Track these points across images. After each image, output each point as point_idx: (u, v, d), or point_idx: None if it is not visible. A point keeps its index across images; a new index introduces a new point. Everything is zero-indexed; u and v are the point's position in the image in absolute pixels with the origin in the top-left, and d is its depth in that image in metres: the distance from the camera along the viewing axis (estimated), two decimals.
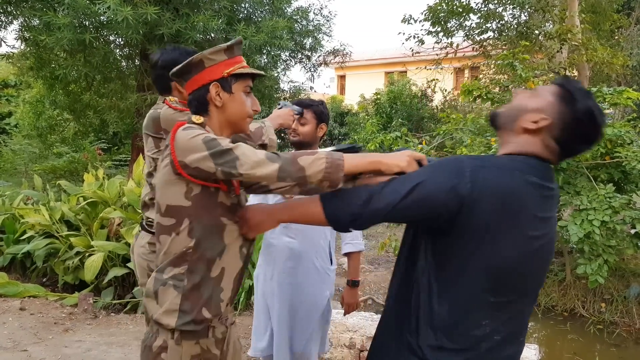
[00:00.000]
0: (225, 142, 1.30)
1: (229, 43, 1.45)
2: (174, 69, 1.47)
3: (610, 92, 6.10)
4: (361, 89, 17.11)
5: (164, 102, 2.06)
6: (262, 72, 1.54)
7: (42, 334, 3.76)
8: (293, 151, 1.38)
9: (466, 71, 15.09)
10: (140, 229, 2.24)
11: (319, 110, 2.39)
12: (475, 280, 1.23)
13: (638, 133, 6.63)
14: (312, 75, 8.05)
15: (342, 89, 25.25)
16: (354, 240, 2.47)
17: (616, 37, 13.75)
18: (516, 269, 1.25)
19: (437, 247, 1.27)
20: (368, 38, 58.67)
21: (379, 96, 13.46)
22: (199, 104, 1.44)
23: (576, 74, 11.30)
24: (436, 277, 1.26)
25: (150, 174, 2.10)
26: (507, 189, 1.22)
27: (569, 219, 5.09)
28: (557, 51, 9.41)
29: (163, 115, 2.01)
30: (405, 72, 15.55)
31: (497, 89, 7.39)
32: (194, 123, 1.41)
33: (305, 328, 2.33)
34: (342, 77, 25.00)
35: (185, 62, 1.43)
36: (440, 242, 1.26)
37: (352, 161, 1.30)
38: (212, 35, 6.09)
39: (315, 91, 12.87)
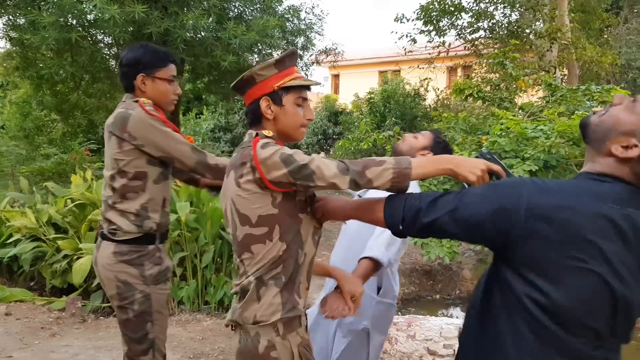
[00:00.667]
0: (300, 157, 1.37)
1: (279, 57, 1.50)
2: (232, 85, 1.56)
3: (598, 89, 6.13)
4: (355, 88, 17.09)
5: (136, 103, 1.93)
6: (315, 82, 1.58)
7: (28, 339, 3.69)
8: (363, 159, 1.37)
9: (459, 70, 15.14)
10: (100, 238, 2.03)
11: None
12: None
13: None
14: (305, 74, 8.01)
15: (336, 88, 25.23)
16: (376, 247, 1.95)
17: (605, 36, 13.83)
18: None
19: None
20: (362, 37, 58.67)
21: (372, 95, 13.45)
22: (254, 117, 1.52)
23: (566, 72, 11.36)
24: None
25: (113, 177, 1.94)
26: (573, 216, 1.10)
27: None
28: (547, 50, 9.46)
29: (135, 117, 1.88)
30: (399, 71, 15.56)
31: (488, 88, 7.40)
32: (265, 137, 1.47)
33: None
34: (336, 77, 24.97)
35: (238, 79, 1.52)
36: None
37: (421, 170, 1.32)
38: (202, 34, 6.04)
39: (309, 90, 12.82)
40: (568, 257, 1.09)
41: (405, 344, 3.06)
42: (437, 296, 6.08)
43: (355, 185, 1.33)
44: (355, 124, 12.16)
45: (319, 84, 1.64)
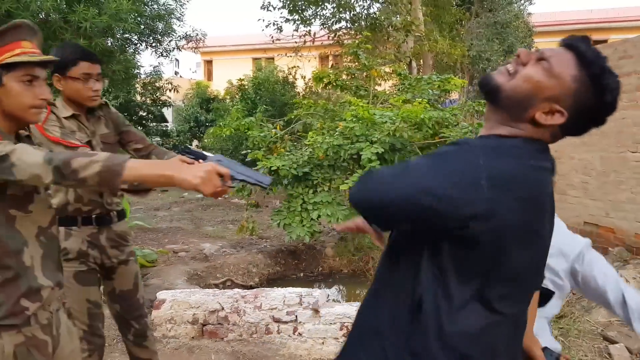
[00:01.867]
0: (2, 148, 1.27)
1: None
2: None
3: (439, 79, 6.95)
4: (229, 75, 17.02)
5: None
6: (46, 58, 1.47)
7: None
8: (76, 152, 1.40)
9: (330, 58, 15.83)
10: None
11: None
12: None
13: (468, 114, 7.65)
14: (177, 60, 7.90)
15: (209, 75, 24.79)
16: None
17: (457, 30, 15.36)
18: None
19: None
20: (237, 23, 57.97)
21: (244, 82, 13.57)
22: None
23: (421, 63, 12.51)
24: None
25: None
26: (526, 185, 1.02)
27: None
28: (403, 41, 10.35)
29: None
30: (273, 58, 15.83)
31: (347, 76, 7.94)
32: None
33: None
34: (209, 62, 24.53)
35: None
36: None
37: (137, 171, 1.24)
38: (51, 16, 5.70)
39: (180, 76, 12.56)
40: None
41: (253, 314, 3.34)
42: (301, 274, 6.51)
43: (60, 175, 1.24)
44: (228, 111, 12.21)
45: (52, 60, 1.52)
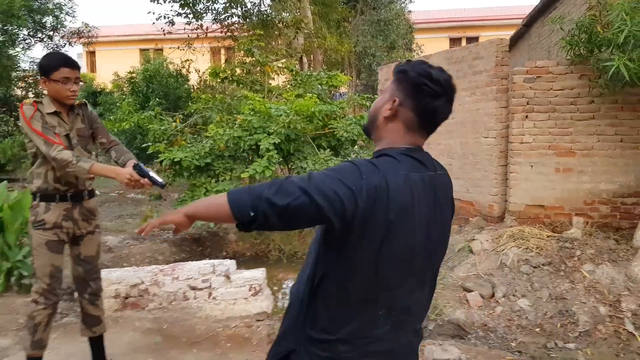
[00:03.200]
0: None
1: None
2: None
3: (327, 75, 7.79)
4: (114, 67, 16.58)
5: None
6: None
7: None
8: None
9: (222, 52, 16.13)
10: None
11: None
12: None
13: (354, 107, 8.57)
14: (51, 49, 7.81)
15: (92, 66, 23.71)
16: None
17: (344, 27, 16.48)
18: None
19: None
20: (122, 12, 54.97)
21: (134, 74, 13.42)
22: None
23: (312, 58, 13.39)
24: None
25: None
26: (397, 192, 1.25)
27: None
28: (294, 38, 11.11)
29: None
30: (162, 50, 15.73)
31: (243, 71, 8.49)
32: None
33: None
34: (91, 54, 23.44)
35: None
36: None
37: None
38: None
39: None
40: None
41: (171, 285, 3.84)
42: (207, 259, 6.99)
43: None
44: (117, 104, 12.09)
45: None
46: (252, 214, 1.22)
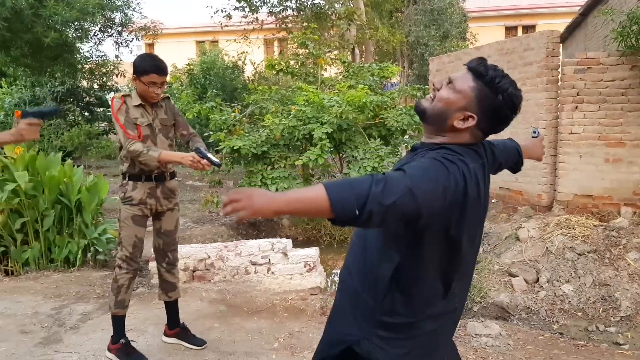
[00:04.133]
0: None
1: None
2: None
3: (378, 67, 8.05)
4: (172, 58, 17.39)
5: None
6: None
7: None
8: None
9: (275, 43, 16.63)
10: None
11: None
12: None
13: (405, 98, 8.78)
14: (118, 44, 8.44)
15: None
16: None
17: (396, 17, 16.55)
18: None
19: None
20: (179, 5, 56.82)
21: (192, 66, 14.10)
22: None
23: (364, 49, 13.63)
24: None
25: None
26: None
27: (350, 167, 6.82)
28: (346, 29, 11.39)
29: None
30: (217, 42, 16.40)
31: (297, 63, 8.87)
32: None
33: None
34: (150, 46, 24.55)
35: None
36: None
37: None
38: (24, 12, 6.25)
39: (121, 60, 12.99)
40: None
41: (234, 260, 4.30)
42: None
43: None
44: (176, 95, 12.81)
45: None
46: (357, 212, 1.18)
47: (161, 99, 3.17)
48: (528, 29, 21.45)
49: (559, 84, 5.89)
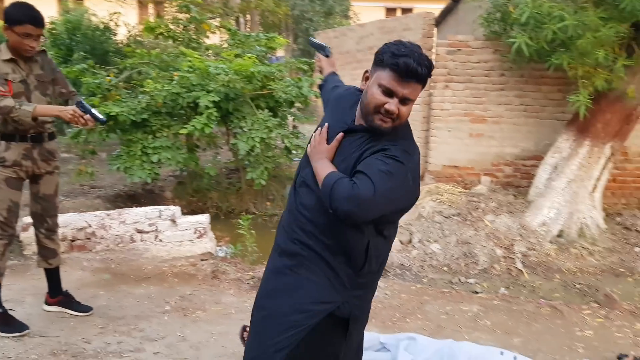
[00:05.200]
0: None
1: None
2: None
3: (265, 37, 8.16)
4: None
5: None
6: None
7: None
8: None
9: (150, 6, 15.81)
10: None
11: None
12: None
13: (292, 70, 9.01)
14: None
15: (1, 14, 22.20)
16: None
17: None
18: None
19: None
20: None
21: (55, 26, 12.96)
22: None
23: (248, 19, 13.58)
24: None
25: None
26: None
27: (238, 138, 6.92)
28: None
29: None
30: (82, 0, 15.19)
31: (179, 28, 8.64)
32: None
33: None
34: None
35: None
36: None
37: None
38: None
39: None
40: None
41: (118, 228, 4.25)
42: None
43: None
44: None
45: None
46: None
47: (37, 53, 2.98)
48: (406, 11, 22.77)
49: (433, 63, 6.52)
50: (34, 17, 2.84)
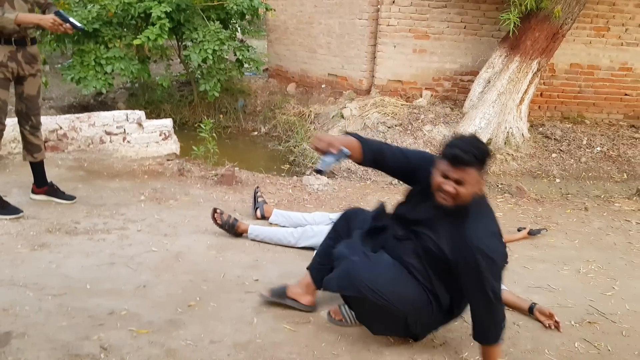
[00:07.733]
0: None
1: None
2: None
3: None
4: None
5: None
6: None
7: None
8: None
9: None
10: None
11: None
12: None
13: None
14: None
15: None
16: None
17: None
18: None
19: None
20: None
21: None
22: None
23: None
24: None
25: None
26: None
27: (190, 49, 7.25)
28: None
29: None
30: None
31: None
32: None
33: None
34: None
35: None
36: None
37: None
38: None
39: None
40: None
41: (88, 130, 4.70)
42: None
43: None
44: None
45: None
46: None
47: None
48: None
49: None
50: None
